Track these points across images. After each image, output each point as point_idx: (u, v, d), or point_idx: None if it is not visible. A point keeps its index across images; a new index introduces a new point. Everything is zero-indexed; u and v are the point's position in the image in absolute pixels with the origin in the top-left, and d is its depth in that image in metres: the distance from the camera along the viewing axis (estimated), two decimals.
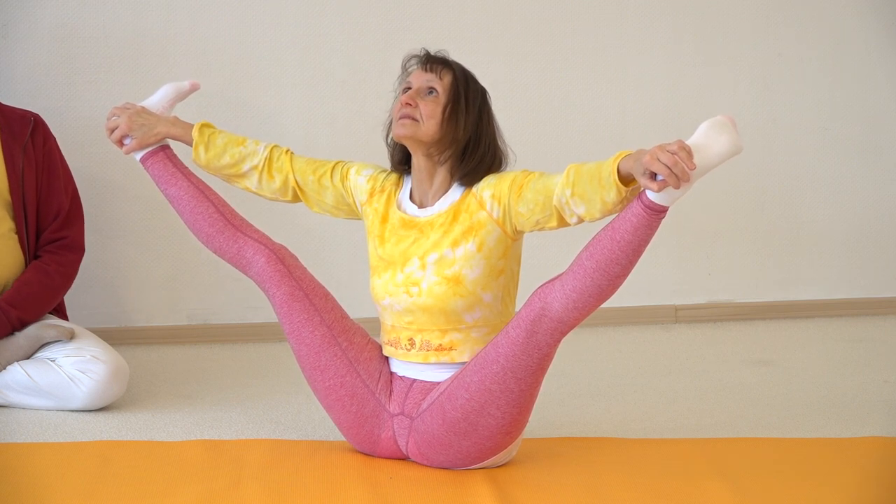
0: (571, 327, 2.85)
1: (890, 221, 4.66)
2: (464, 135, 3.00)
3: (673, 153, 2.64)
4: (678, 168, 2.64)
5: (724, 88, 4.50)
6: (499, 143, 3.05)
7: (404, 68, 3.08)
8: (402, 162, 3.11)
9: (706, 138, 2.75)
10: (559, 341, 2.87)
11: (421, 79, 3.02)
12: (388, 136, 3.12)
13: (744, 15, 4.48)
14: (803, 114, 4.56)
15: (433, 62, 3.04)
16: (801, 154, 4.59)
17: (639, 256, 2.79)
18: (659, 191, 2.68)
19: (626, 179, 2.75)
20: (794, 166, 4.59)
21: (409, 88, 3.03)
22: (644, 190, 2.73)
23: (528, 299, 2.87)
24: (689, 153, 2.66)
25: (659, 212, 2.73)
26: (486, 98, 3.06)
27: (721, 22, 4.48)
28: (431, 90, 3.01)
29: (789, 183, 4.59)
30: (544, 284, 2.87)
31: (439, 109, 2.99)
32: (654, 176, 2.67)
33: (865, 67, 4.55)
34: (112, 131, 3.21)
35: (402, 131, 2.99)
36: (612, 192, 2.76)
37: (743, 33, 4.49)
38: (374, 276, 3.07)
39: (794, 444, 3.24)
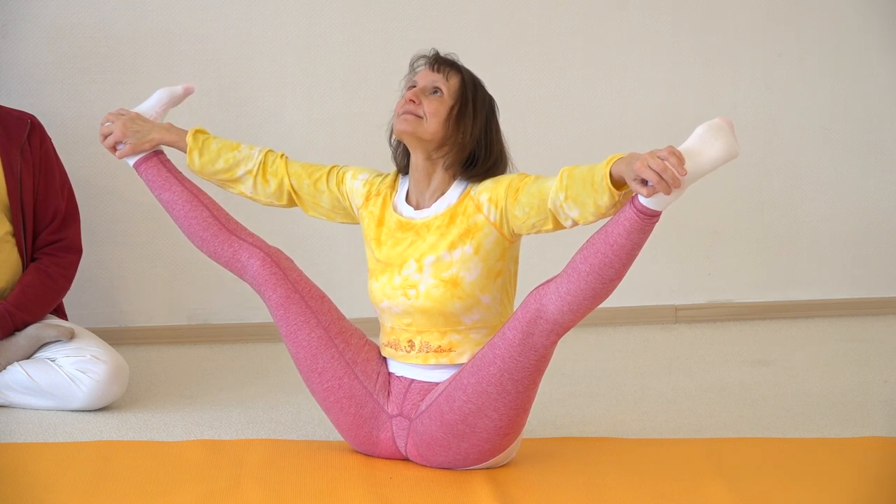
0: (567, 329, 2.84)
1: (890, 221, 4.65)
2: (470, 140, 2.98)
3: (663, 159, 2.63)
4: (668, 175, 2.62)
5: (724, 88, 4.50)
6: (506, 152, 3.04)
7: (412, 67, 3.06)
8: (406, 163, 3.09)
9: (700, 143, 2.72)
10: (556, 343, 2.86)
11: (427, 78, 3.01)
12: (391, 135, 3.10)
13: (744, 15, 4.48)
14: (803, 114, 4.56)
15: (441, 63, 3.02)
16: (801, 154, 4.58)
17: (633, 259, 2.78)
18: (649, 196, 2.67)
19: (618, 183, 2.73)
20: (794, 166, 4.58)
21: (415, 86, 3.01)
22: (637, 194, 2.72)
23: (524, 301, 2.86)
24: (680, 159, 2.64)
25: (652, 216, 2.72)
26: (493, 107, 3.04)
27: (721, 22, 4.47)
28: (436, 90, 2.99)
29: (789, 183, 4.59)
30: (540, 286, 2.86)
31: (444, 109, 2.97)
32: (645, 182, 2.66)
33: (865, 67, 4.55)
34: (105, 137, 3.22)
35: (403, 126, 2.97)
36: (604, 196, 2.75)
37: (743, 33, 4.49)
38: (371, 278, 3.06)
39: (794, 444, 3.24)
